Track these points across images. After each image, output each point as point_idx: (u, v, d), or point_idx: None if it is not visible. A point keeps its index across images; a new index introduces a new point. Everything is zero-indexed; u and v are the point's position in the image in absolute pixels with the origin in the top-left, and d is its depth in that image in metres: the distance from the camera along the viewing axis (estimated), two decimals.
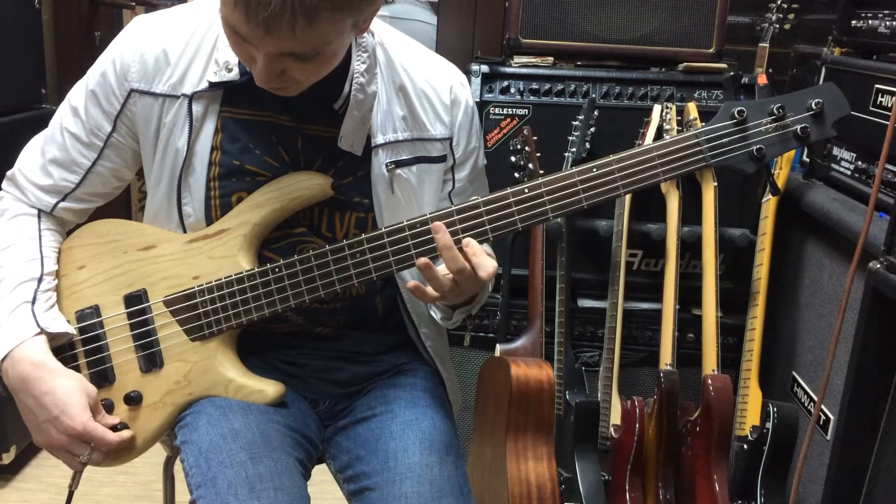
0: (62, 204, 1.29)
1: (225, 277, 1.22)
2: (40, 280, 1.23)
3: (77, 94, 1.26)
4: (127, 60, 1.21)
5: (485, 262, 1.12)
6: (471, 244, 1.12)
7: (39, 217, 1.29)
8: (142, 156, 1.28)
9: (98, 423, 1.18)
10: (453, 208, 1.16)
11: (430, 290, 1.16)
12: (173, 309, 1.24)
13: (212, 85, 1.20)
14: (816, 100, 1.15)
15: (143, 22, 1.24)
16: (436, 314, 1.33)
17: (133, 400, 1.24)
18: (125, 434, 1.22)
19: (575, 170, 1.16)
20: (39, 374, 1.15)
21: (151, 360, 1.24)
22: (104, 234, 1.29)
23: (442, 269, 1.14)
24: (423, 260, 1.13)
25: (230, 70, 1.19)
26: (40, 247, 1.26)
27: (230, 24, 1.02)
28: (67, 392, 1.16)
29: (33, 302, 1.20)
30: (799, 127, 1.15)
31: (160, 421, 1.25)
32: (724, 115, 1.17)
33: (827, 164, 1.86)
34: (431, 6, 2.89)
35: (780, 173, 1.84)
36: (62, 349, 1.23)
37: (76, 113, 1.25)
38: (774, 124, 1.16)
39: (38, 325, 1.18)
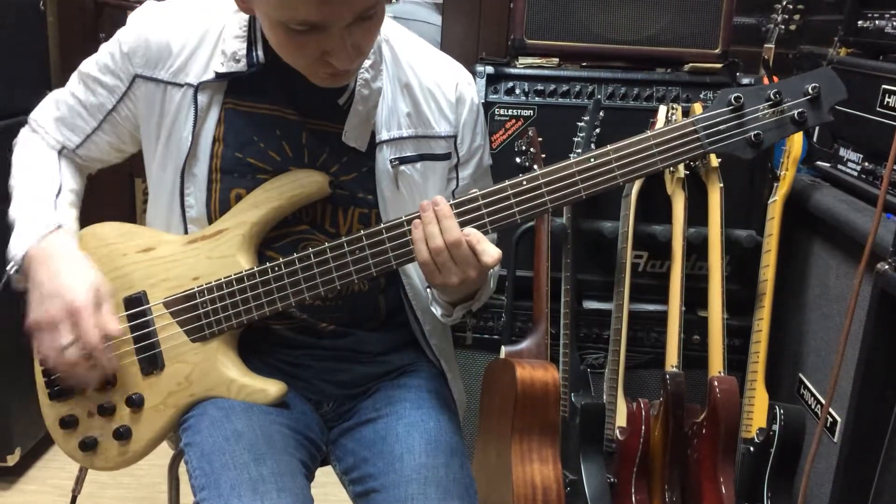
0: (76, 151, 1.33)
1: (224, 277, 1.22)
2: (59, 192, 1.27)
3: (88, 67, 1.29)
4: (133, 44, 1.23)
5: (488, 248, 1.11)
6: (472, 233, 1.11)
7: (60, 153, 1.33)
8: (142, 144, 1.29)
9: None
10: (452, 202, 1.15)
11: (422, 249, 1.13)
12: (173, 310, 1.24)
13: (218, 76, 1.20)
14: (813, 84, 1.14)
15: (152, 7, 1.26)
16: (436, 310, 1.32)
17: (135, 402, 1.24)
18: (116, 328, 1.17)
19: (573, 160, 1.15)
20: (67, 252, 1.19)
21: (152, 362, 1.24)
22: (103, 238, 1.29)
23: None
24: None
25: (238, 61, 1.19)
26: (59, 170, 1.30)
27: (298, 20, 1.02)
28: (86, 274, 1.17)
29: (55, 208, 1.24)
30: (796, 112, 1.14)
31: (163, 423, 1.25)
32: (721, 101, 1.15)
33: (825, 148, 1.85)
34: (436, 7, 2.88)
35: (787, 174, 1.83)
36: None
37: (84, 83, 1.29)
38: (771, 110, 1.15)
39: (58, 222, 1.21)
